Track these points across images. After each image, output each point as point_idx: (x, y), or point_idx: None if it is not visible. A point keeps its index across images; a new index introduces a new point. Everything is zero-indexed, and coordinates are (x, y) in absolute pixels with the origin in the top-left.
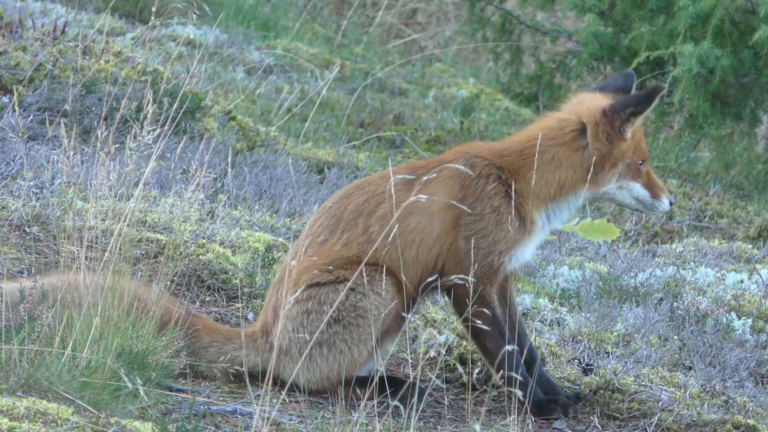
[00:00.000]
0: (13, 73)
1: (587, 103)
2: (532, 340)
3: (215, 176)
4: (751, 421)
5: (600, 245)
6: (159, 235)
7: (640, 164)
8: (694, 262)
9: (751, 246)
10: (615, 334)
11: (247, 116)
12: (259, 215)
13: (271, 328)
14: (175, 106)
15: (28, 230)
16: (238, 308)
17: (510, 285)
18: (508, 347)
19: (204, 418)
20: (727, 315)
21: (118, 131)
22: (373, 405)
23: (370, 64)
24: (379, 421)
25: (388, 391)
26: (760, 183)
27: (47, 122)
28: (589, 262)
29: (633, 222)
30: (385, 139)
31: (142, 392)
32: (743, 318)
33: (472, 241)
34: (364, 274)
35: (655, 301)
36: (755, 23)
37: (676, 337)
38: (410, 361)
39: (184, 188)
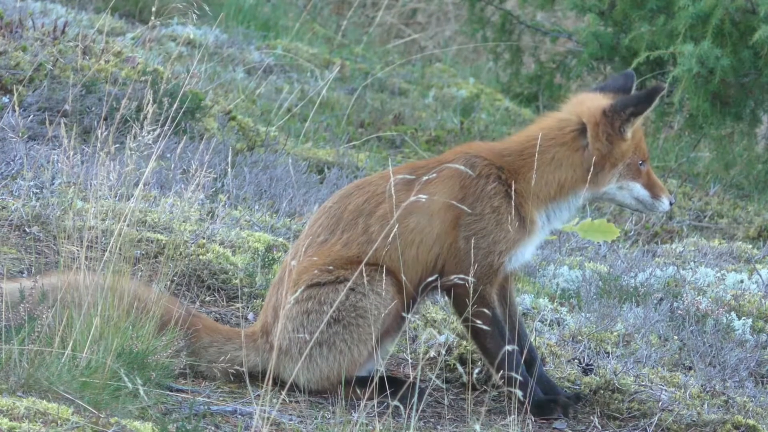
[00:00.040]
0: (13, 73)
1: (587, 103)
2: (532, 340)
3: (215, 176)
4: (751, 421)
5: (600, 245)
6: (159, 235)
7: (640, 164)
8: (694, 262)
9: (751, 246)
10: (615, 334)
11: (247, 116)
12: (259, 215)
13: (271, 328)
14: (175, 106)
15: (28, 230)
16: (238, 308)
17: (510, 285)
18: (508, 347)
19: (204, 418)
20: (727, 315)
21: (118, 131)
22: (373, 405)
23: (370, 64)
24: (379, 421)
25: (388, 391)
26: (760, 183)
27: (47, 122)
28: (589, 262)
29: (633, 222)
30: (385, 139)
31: (142, 392)
32: (743, 318)
33: (472, 241)
34: (364, 274)
35: (655, 301)
36: (755, 23)
37: (676, 337)
38: (410, 361)
39: (184, 188)
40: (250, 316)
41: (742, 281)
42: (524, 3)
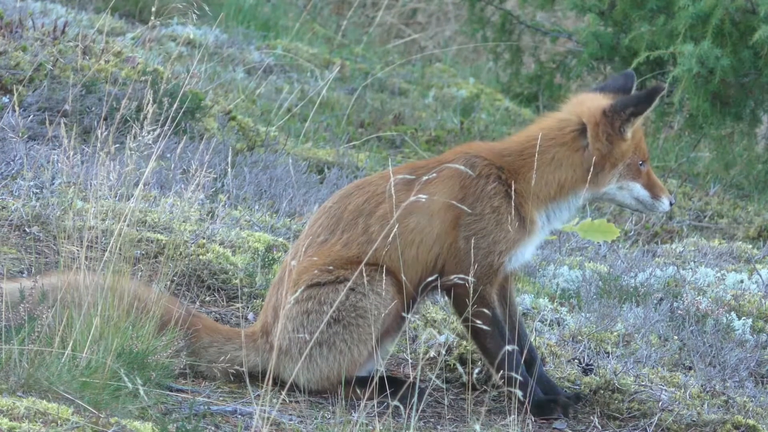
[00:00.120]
0: (13, 73)
1: (587, 103)
2: (532, 340)
3: (215, 176)
4: (751, 421)
5: (600, 245)
6: (159, 235)
7: (641, 164)
8: (694, 262)
9: (751, 246)
10: (615, 334)
11: (247, 116)
12: (259, 215)
13: (271, 328)
14: (175, 106)
15: (28, 230)
16: (238, 308)
17: (510, 285)
18: (508, 347)
19: (204, 418)
20: (727, 315)
21: (118, 131)
22: (373, 405)
23: (370, 64)
24: (379, 421)
25: (388, 391)
26: (760, 183)
27: (47, 122)
28: (589, 262)
29: (633, 222)
30: (385, 139)
31: (142, 392)
32: (743, 318)
33: (472, 241)
34: (364, 274)
35: (655, 301)
36: (755, 23)
37: (676, 337)
38: (410, 361)
39: (184, 188)
40: (250, 316)
41: (742, 281)
42: (524, 3)
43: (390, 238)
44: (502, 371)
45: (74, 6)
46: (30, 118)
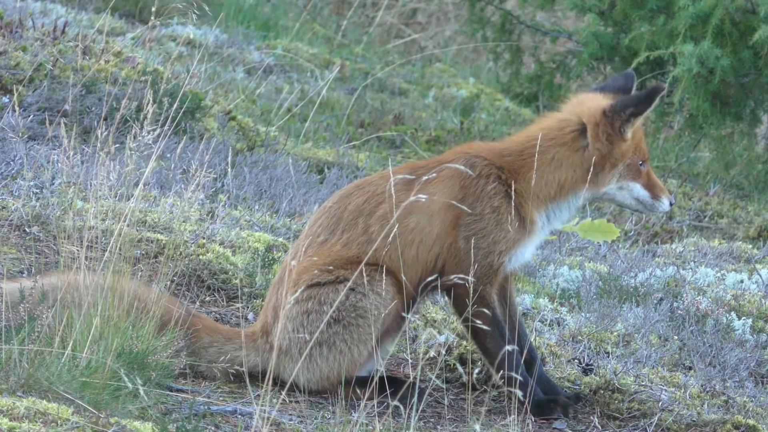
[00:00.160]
0: (13, 73)
1: (587, 103)
2: (532, 340)
3: (215, 176)
4: (751, 421)
5: (600, 245)
6: (159, 235)
7: (641, 165)
8: (694, 262)
9: (751, 246)
10: (615, 334)
11: (247, 116)
12: (259, 215)
13: (271, 328)
14: (175, 106)
15: (28, 230)
16: (238, 308)
17: (510, 285)
18: (508, 347)
19: (204, 418)
20: (727, 315)
21: (118, 131)
22: (373, 405)
23: (370, 64)
24: (379, 421)
25: (388, 391)
26: (760, 183)
27: (47, 122)
28: (589, 262)
29: (633, 222)
30: (385, 139)
31: (142, 392)
32: (743, 318)
33: (472, 241)
34: (364, 274)
35: (655, 301)
36: (755, 23)
37: (676, 337)
38: (410, 361)
39: (184, 188)
40: (250, 316)
41: (742, 281)
42: (524, 3)
43: (390, 238)
44: (502, 371)
45: (74, 6)
46: (30, 118)
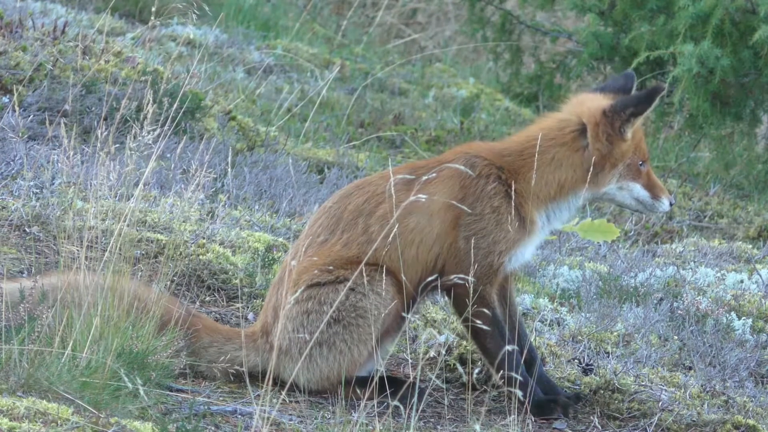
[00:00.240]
0: (13, 73)
1: (587, 103)
2: (532, 340)
3: (215, 176)
4: (751, 421)
5: (600, 245)
6: (159, 235)
7: (641, 165)
8: (694, 262)
9: (751, 246)
10: (615, 334)
11: (247, 116)
12: (259, 215)
13: (271, 328)
14: (175, 106)
15: (28, 230)
16: (238, 308)
17: (510, 285)
18: (508, 347)
19: (204, 418)
20: (727, 315)
21: (118, 131)
22: (373, 405)
23: (370, 64)
24: (379, 421)
25: (388, 391)
26: (760, 183)
27: (47, 122)
28: (589, 262)
29: (633, 222)
30: (385, 139)
31: (142, 392)
32: (743, 318)
33: (472, 241)
34: (364, 274)
35: (655, 301)
36: (755, 23)
37: (676, 337)
38: (410, 361)
39: (184, 188)
40: (250, 316)
41: (742, 281)
42: (524, 3)
43: (390, 238)
44: (502, 371)
45: (74, 6)
46: (30, 118)
